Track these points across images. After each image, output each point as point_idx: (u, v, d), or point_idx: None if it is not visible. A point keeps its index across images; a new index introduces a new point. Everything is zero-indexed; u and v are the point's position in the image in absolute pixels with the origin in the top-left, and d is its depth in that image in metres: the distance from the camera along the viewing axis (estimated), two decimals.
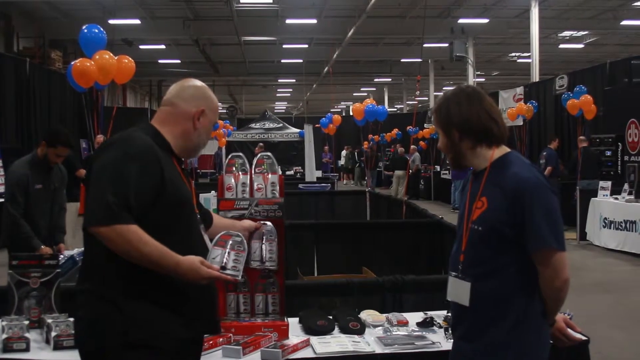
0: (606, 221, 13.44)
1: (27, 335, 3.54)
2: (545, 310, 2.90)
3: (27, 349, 3.46)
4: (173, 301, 2.90)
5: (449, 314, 3.93)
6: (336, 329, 3.88)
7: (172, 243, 2.85)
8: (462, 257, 2.96)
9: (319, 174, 25.98)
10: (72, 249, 6.44)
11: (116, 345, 2.79)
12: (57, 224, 6.64)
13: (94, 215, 2.79)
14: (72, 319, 3.42)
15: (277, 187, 3.87)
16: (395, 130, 31.85)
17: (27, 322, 3.66)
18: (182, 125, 3.11)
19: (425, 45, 24.07)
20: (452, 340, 3.39)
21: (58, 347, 3.47)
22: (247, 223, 3.66)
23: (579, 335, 3.20)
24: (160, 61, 34.38)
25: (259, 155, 3.99)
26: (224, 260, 3.00)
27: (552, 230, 2.78)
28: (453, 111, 2.98)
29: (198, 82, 3.26)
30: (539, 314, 2.88)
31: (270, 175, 3.88)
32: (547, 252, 2.79)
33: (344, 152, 36.58)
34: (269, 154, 4.01)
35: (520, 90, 23.08)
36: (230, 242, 3.08)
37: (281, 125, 31.28)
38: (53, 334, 3.51)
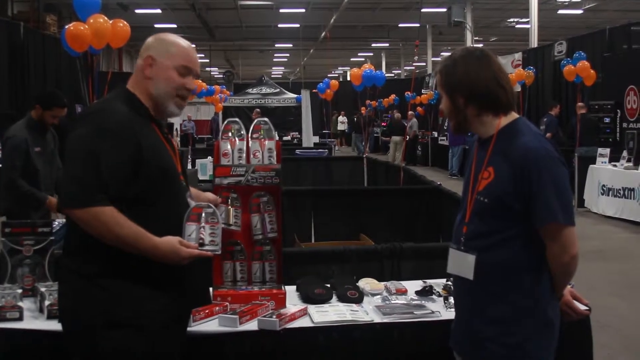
0: (604, 188, 13.42)
1: (20, 304, 3.48)
2: (553, 285, 2.79)
3: (20, 318, 3.41)
4: (156, 279, 2.84)
5: (449, 283, 3.88)
6: (334, 297, 3.82)
7: (156, 215, 2.81)
8: (465, 229, 2.85)
9: (316, 139, 25.91)
10: None
11: (99, 324, 2.74)
12: (58, 183, 6.64)
13: (68, 196, 2.74)
14: None
15: (274, 153, 3.79)
16: (393, 96, 31.77)
17: (20, 291, 3.61)
18: (141, 82, 3.02)
19: (423, 10, 23.81)
20: (452, 310, 3.34)
21: (52, 316, 3.39)
22: (212, 196, 3.49)
23: (585, 308, 3.11)
24: (156, 26, 33.96)
25: (255, 120, 3.92)
26: (200, 235, 2.95)
27: (560, 204, 2.67)
28: (459, 75, 2.83)
29: (160, 34, 3.14)
30: (548, 288, 2.78)
31: (267, 141, 3.80)
32: (555, 227, 2.69)
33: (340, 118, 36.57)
34: (265, 119, 3.93)
35: (518, 56, 23.00)
36: (203, 214, 3.01)
37: (278, 90, 31.10)
38: (47, 302, 3.45)
